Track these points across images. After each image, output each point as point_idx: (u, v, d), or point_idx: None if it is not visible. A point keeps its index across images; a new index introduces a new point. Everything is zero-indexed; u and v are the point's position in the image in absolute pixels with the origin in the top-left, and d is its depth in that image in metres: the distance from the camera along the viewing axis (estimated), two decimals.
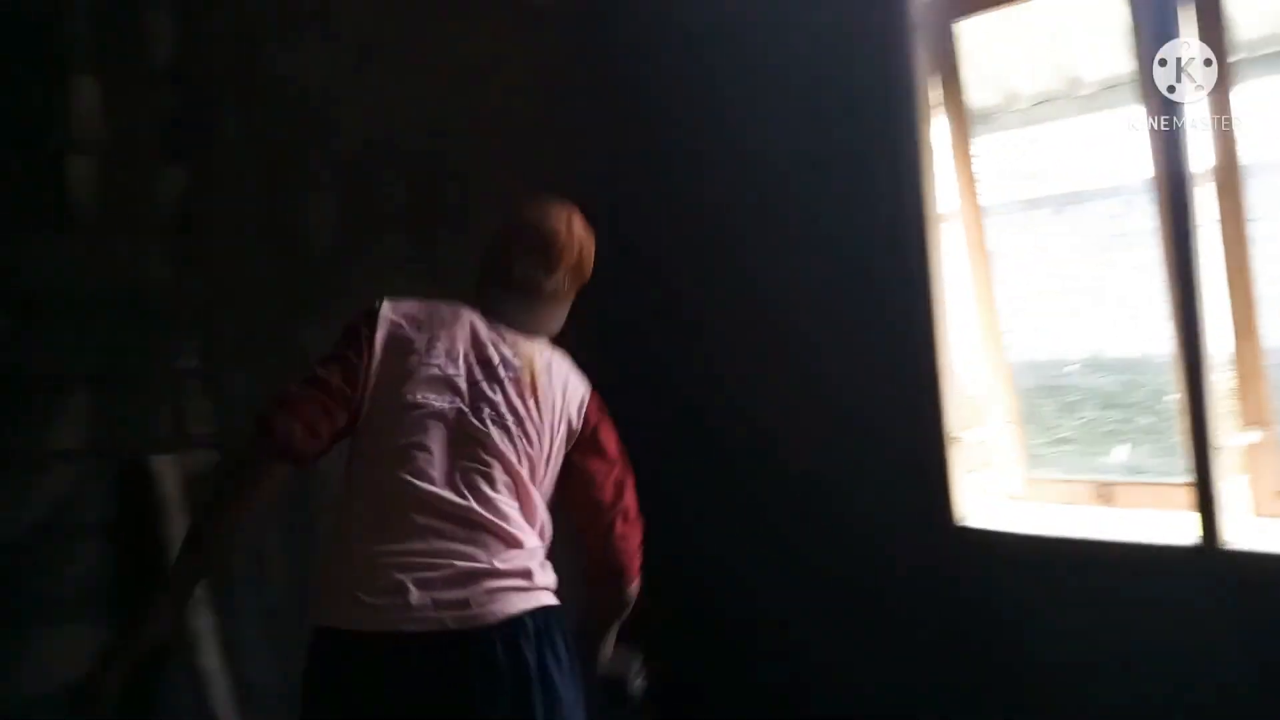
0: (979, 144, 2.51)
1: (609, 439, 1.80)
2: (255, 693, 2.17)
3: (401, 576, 1.50)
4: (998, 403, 2.55)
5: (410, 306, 1.70)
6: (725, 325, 2.88)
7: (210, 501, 1.56)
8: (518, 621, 1.53)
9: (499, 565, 1.55)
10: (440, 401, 1.61)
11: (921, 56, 2.41)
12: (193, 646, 1.99)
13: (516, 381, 1.67)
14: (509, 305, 1.76)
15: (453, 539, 1.54)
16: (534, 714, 1.51)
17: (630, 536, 1.79)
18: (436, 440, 1.59)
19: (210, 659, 2.02)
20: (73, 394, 1.95)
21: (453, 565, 1.52)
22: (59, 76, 1.95)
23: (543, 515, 1.70)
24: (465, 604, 1.51)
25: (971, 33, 2.43)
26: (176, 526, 2.02)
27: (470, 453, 1.60)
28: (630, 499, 1.80)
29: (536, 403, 1.68)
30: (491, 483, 1.60)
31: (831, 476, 2.66)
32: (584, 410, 1.77)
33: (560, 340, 1.84)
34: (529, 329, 1.77)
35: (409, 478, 1.56)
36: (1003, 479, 2.56)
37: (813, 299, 2.67)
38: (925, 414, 2.45)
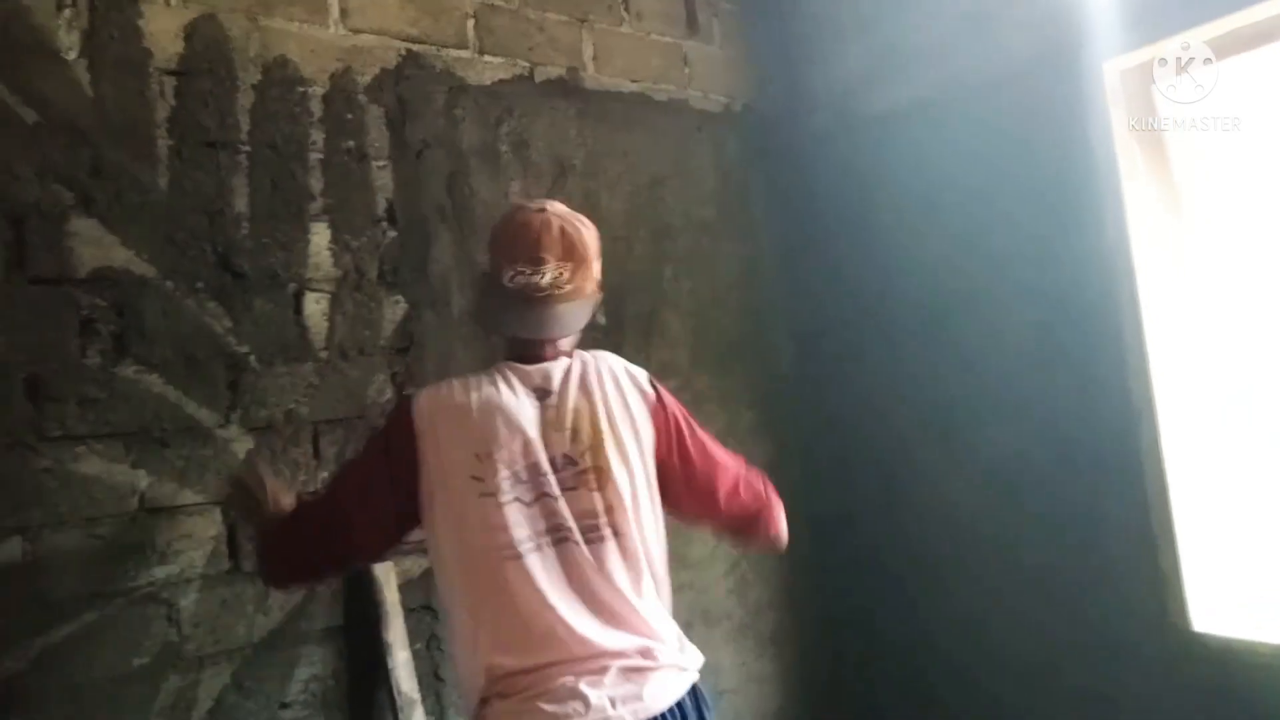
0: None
1: (683, 427, 1.78)
2: None
3: (575, 684, 1.54)
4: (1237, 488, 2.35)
5: (447, 391, 1.65)
6: (923, 418, 2.82)
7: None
8: (681, 705, 1.60)
9: (656, 652, 1.60)
10: (517, 492, 1.60)
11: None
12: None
13: (583, 474, 1.63)
14: (520, 323, 1.67)
15: (599, 639, 1.58)
16: None
17: (760, 480, 1.82)
18: (524, 533, 1.59)
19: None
20: None
21: (614, 664, 1.57)
22: (300, 223, 2.19)
23: (662, 578, 1.72)
24: (639, 697, 1.55)
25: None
26: (395, 628, 2.15)
27: (569, 536, 1.61)
28: (740, 468, 1.83)
29: (611, 476, 1.64)
30: (603, 567, 1.61)
31: (1053, 569, 2.52)
32: (650, 410, 1.75)
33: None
34: (549, 335, 1.69)
35: (523, 586, 1.56)
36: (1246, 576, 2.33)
37: (1017, 379, 2.58)
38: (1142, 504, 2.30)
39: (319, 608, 2.12)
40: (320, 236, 2.22)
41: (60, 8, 1.95)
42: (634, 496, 1.67)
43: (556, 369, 1.71)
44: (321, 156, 2.24)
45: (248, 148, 2.14)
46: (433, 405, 1.64)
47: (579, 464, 1.64)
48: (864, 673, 2.90)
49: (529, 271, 1.64)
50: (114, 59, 2.00)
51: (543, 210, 1.71)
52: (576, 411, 1.66)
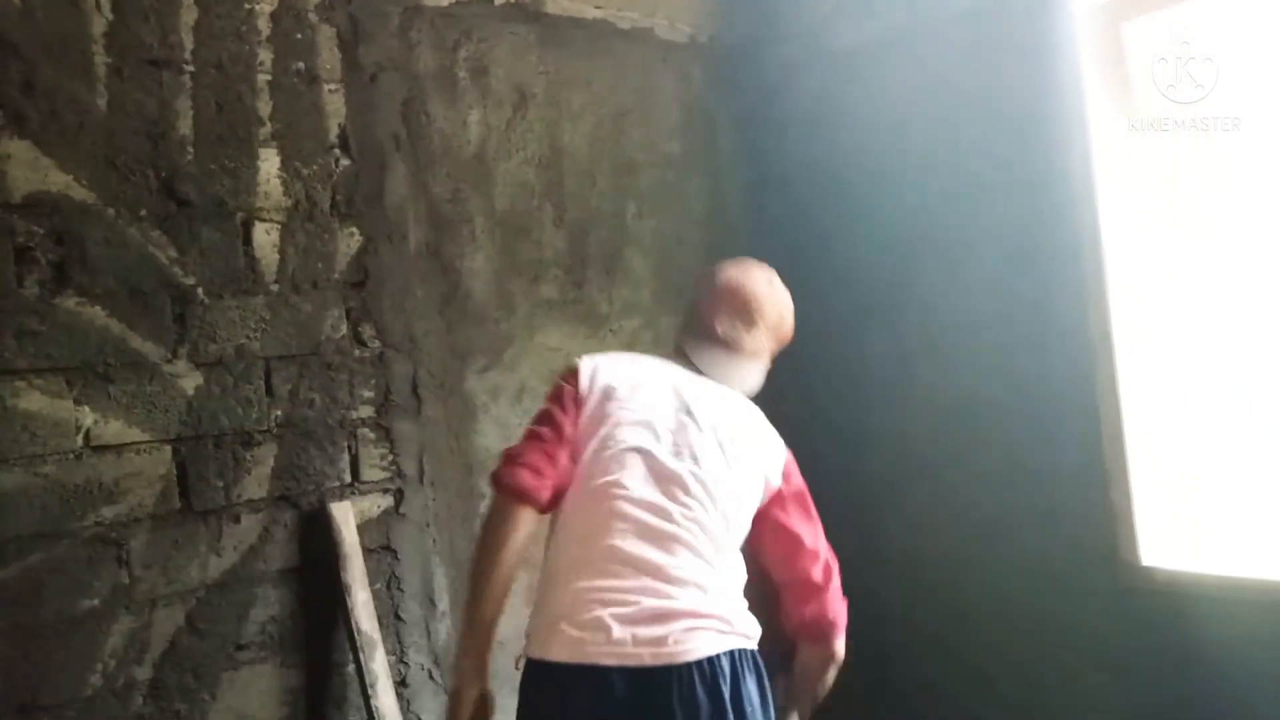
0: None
1: (808, 499, 1.86)
2: None
3: (603, 612, 1.57)
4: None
5: (612, 359, 1.84)
6: (883, 355, 2.82)
7: (476, 559, 1.70)
8: (715, 662, 1.58)
9: (698, 608, 1.60)
10: (641, 442, 1.70)
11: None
12: (371, 686, 2.06)
13: (716, 430, 1.74)
14: (711, 360, 1.86)
15: (654, 577, 1.60)
16: None
17: (836, 590, 1.83)
18: (636, 479, 1.67)
19: (386, 698, 2.09)
20: (260, 445, 2.06)
21: (653, 604, 1.58)
22: (248, 149, 2.09)
23: (738, 562, 1.74)
24: (663, 640, 1.56)
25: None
26: (354, 568, 2.12)
27: (669, 492, 1.67)
28: (831, 555, 1.85)
29: (735, 454, 1.75)
30: (689, 525, 1.66)
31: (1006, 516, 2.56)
32: (784, 468, 1.83)
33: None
34: (729, 383, 1.86)
35: (611, 518, 1.64)
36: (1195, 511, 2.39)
37: (977, 316, 2.59)
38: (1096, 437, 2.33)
39: (274, 549, 2.07)
40: (269, 163, 2.12)
41: None
42: (737, 500, 1.74)
43: (715, 385, 1.85)
44: (270, 78, 2.13)
45: (191, 67, 2.03)
46: (598, 363, 1.81)
47: (702, 456, 1.72)
48: None
49: (743, 330, 1.86)
50: None
51: (772, 284, 1.93)
52: (718, 414, 1.78)
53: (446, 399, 2.35)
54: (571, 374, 1.80)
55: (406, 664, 2.23)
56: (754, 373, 1.91)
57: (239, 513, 2.03)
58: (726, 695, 1.57)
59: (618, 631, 1.55)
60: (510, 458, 1.71)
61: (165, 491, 1.95)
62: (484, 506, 2.39)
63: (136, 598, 1.90)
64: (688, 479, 1.68)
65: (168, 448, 1.95)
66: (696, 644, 1.58)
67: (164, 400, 1.95)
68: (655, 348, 2.74)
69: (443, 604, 2.30)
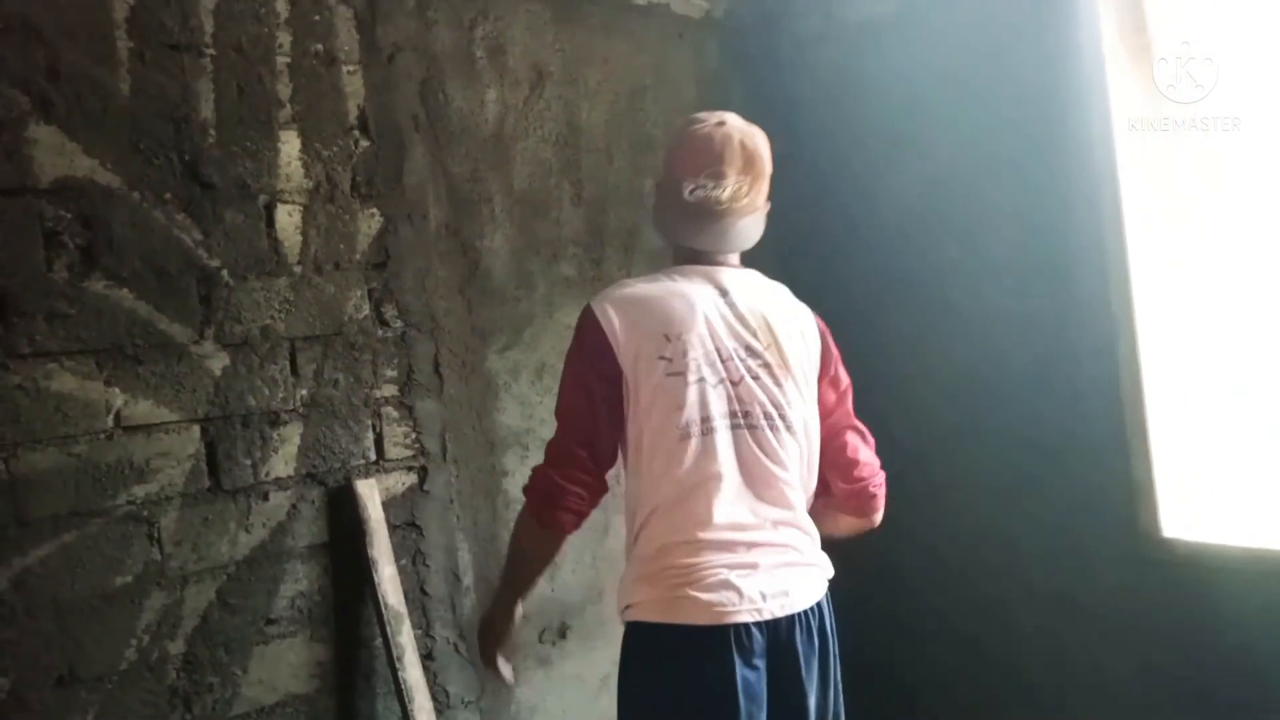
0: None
1: (839, 361, 1.84)
2: (451, 702, 2.28)
3: (728, 575, 1.61)
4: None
5: (623, 295, 1.69)
6: (900, 328, 2.82)
7: (511, 567, 1.83)
8: (820, 606, 1.70)
9: (801, 556, 1.70)
10: (706, 376, 1.64)
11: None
12: (398, 659, 2.10)
13: (767, 365, 1.68)
14: (698, 235, 1.72)
15: (760, 531, 1.66)
16: (837, 689, 1.73)
17: (876, 462, 1.87)
18: (718, 421, 1.65)
19: (413, 671, 2.13)
20: (286, 425, 2.09)
21: (769, 559, 1.65)
22: (269, 131, 2.10)
23: (813, 483, 1.78)
24: (786, 593, 1.64)
25: None
26: (380, 544, 2.15)
27: (753, 432, 1.66)
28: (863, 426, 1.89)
29: (790, 372, 1.70)
30: (777, 466, 1.67)
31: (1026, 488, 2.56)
32: (821, 337, 1.80)
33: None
34: (726, 249, 1.75)
35: (707, 478, 1.64)
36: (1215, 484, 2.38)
37: (995, 288, 2.58)
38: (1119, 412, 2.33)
39: (302, 525, 2.10)
40: (290, 145, 2.13)
41: None
42: (806, 398, 1.72)
43: (731, 273, 1.75)
44: (289, 60, 2.14)
45: (212, 50, 2.04)
46: (613, 301, 1.68)
47: (761, 356, 1.67)
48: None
49: (710, 185, 1.66)
50: None
51: (723, 124, 1.71)
52: (754, 311, 1.70)
53: (468, 377, 2.38)
54: (593, 326, 1.66)
55: (433, 638, 2.27)
56: (748, 229, 1.75)
57: (267, 490, 2.06)
58: (828, 628, 1.71)
59: (748, 589, 1.61)
60: (548, 493, 1.67)
61: (194, 470, 1.98)
62: (508, 484, 2.42)
63: (169, 574, 1.94)
64: (765, 406, 1.66)
65: (196, 427, 1.98)
66: (810, 591, 1.69)
67: (192, 381, 1.98)
68: None
69: (467, 579, 2.33)
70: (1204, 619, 2.26)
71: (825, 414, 1.80)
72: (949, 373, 2.71)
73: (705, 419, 1.64)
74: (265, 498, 2.06)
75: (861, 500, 1.85)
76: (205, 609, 1.98)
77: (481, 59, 2.45)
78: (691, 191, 1.67)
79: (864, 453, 1.85)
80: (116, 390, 1.90)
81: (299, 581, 2.09)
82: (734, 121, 1.72)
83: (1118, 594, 2.41)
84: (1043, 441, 2.52)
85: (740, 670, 1.59)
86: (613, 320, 1.65)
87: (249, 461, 2.04)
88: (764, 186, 1.74)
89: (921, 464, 2.79)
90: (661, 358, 1.63)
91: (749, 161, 1.69)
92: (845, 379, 1.86)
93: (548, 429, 2.48)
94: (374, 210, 2.24)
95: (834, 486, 1.85)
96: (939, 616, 2.78)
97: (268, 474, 2.07)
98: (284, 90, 2.13)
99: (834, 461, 1.83)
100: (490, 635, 1.87)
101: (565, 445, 1.69)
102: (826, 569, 1.76)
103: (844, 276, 2.88)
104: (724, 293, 1.71)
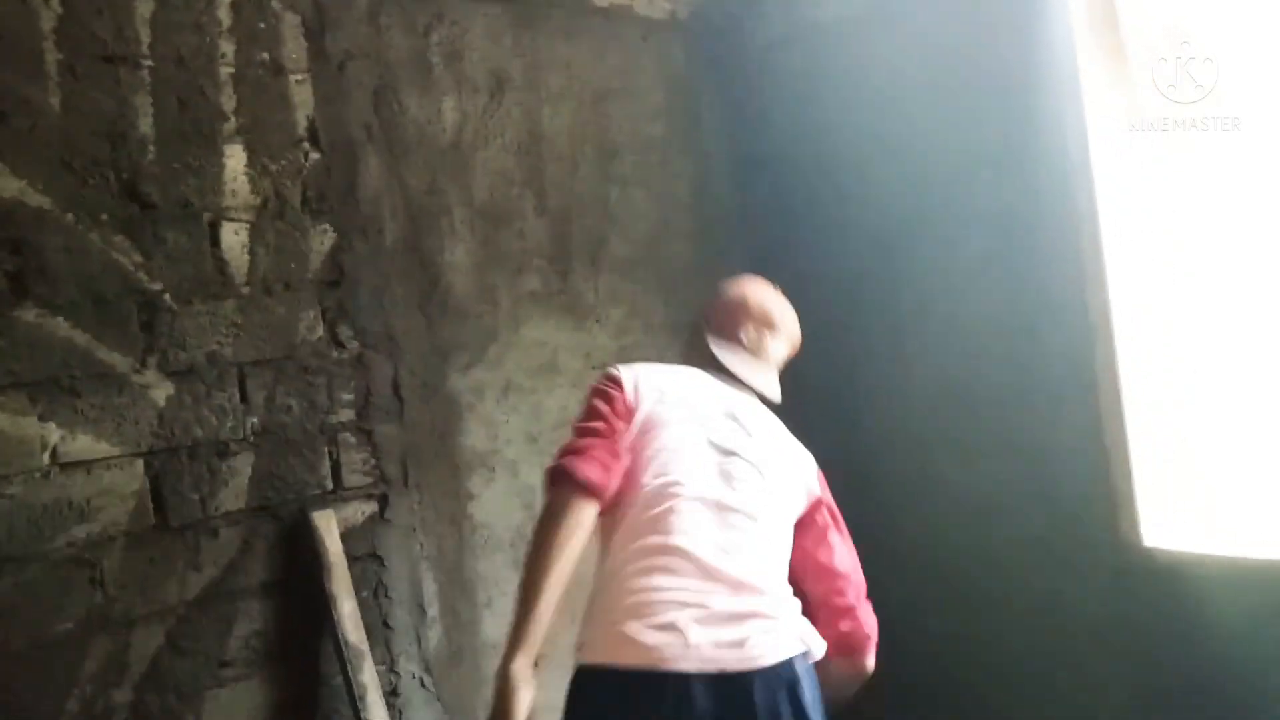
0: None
1: (838, 512, 1.87)
2: None
3: (676, 615, 1.52)
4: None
5: (649, 368, 1.81)
6: (875, 335, 2.76)
7: (534, 557, 1.59)
8: (790, 665, 1.56)
9: (767, 609, 1.58)
10: (698, 444, 1.70)
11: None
12: (360, 698, 2.01)
13: (762, 434, 1.77)
14: (740, 362, 1.87)
15: (721, 578, 1.58)
16: None
17: (868, 606, 1.83)
18: (695, 480, 1.66)
19: (376, 710, 2.04)
20: (236, 455, 1.99)
21: (724, 605, 1.55)
22: (213, 146, 2.00)
23: (785, 566, 1.74)
24: (743, 644, 1.52)
25: None
26: (339, 578, 2.05)
27: (728, 494, 1.66)
28: (860, 571, 1.86)
29: (782, 460, 1.78)
30: (749, 526, 1.65)
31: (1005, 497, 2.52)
32: (819, 478, 1.86)
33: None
34: (756, 385, 1.88)
35: (672, 516, 1.61)
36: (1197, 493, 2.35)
37: (971, 294, 2.53)
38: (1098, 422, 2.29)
39: (256, 561, 2.01)
40: (235, 160, 2.03)
41: None
42: (781, 509, 1.75)
43: (747, 393, 1.87)
44: (233, 71, 2.04)
45: (150, 62, 1.93)
46: (639, 372, 1.78)
47: (753, 459, 1.73)
48: None
49: (766, 335, 1.91)
50: None
51: (781, 296, 1.98)
52: (758, 425, 1.80)
53: (430, 399, 2.28)
54: (613, 381, 1.76)
55: (397, 673, 2.18)
56: (774, 379, 1.93)
57: (217, 526, 1.96)
58: (804, 699, 1.54)
59: (695, 635, 1.50)
60: (573, 450, 1.65)
61: (138, 508, 1.88)
62: (473, 508, 2.33)
63: (113, 618, 1.84)
64: (746, 480, 1.69)
65: (140, 462, 1.88)
66: (775, 646, 1.55)
67: (134, 412, 1.88)
68: (645, 335, 2.68)
69: (432, 610, 2.24)
70: (1185, 628, 2.22)
71: (826, 557, 1.81)
72: (924, 381, 2.66)
73: (696, 486, 1.66)
74: (215, 534, 1.96)
75: (851, 643, 1.80)
76: (154, 653, 1.88)
77: (438, 65, 2.35)
78: (748, 338, 1.90)
79: (853, 598, 1.82)
80: (52, 425, 1.79)
81: (253, 620, 2.00)
82: (788, 303, 1.98)
83: (1098, 603, 2.37)
84: (1022, 451, 2.47)
85: None
86: (635, 387, 1.75)
87: (197, 496, 1.94)
88: (790, 354, 1.98)
89: (897, 475, 2.74)
90: (672, 426, 1.71)
91: (793, 336, 1.97)
92: (839, 532, 1.85)
93: (515, 450, 2.43)
94: (326, 226, 2.14)
95: (824, 628, 1.76)
96: (918, 628, 2.73)
97: (217, 509, 1.96)
98: (228, 102, 2.03)
99: (825, 604, 1.80)
100: (511, 694, 1.52)
101: (580, 431, 1.71)
102: (798, 634, 1.62)
103: (816, 282, 2.81)
104: (736, 401, 1.82)
